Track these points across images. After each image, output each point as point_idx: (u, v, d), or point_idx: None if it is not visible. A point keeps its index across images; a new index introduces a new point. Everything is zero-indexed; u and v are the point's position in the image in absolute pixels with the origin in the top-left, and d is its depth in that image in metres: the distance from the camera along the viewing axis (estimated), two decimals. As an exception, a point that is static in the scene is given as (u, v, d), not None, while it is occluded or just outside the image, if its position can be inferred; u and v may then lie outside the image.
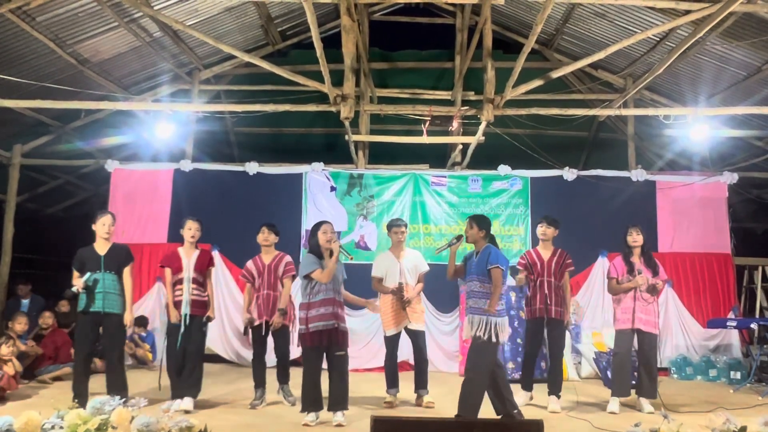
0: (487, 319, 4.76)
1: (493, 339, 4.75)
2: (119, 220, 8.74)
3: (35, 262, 10.88)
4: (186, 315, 5.57)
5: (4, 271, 9.11)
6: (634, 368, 6.01)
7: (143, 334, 8.28)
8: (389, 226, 6.22)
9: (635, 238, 5.91)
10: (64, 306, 8.43)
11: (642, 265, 5.88)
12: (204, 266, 5.76)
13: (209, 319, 5.78)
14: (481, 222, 5.05)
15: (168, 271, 5.74)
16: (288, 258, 6.01)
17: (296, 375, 6.22)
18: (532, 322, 5.95)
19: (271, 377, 5.92)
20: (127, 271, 5.49)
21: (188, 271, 5.65)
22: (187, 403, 5.40)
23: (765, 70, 7.90)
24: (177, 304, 5.62)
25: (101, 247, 5.43)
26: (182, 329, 5.54)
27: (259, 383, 5.80)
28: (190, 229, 5.76)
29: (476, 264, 4.94)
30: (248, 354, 8.29)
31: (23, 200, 9.99)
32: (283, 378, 5.93)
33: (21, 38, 7.36)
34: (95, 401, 3.69)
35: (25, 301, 8.61)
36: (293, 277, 5.93)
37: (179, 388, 5.55)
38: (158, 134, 8.71)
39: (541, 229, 6.05)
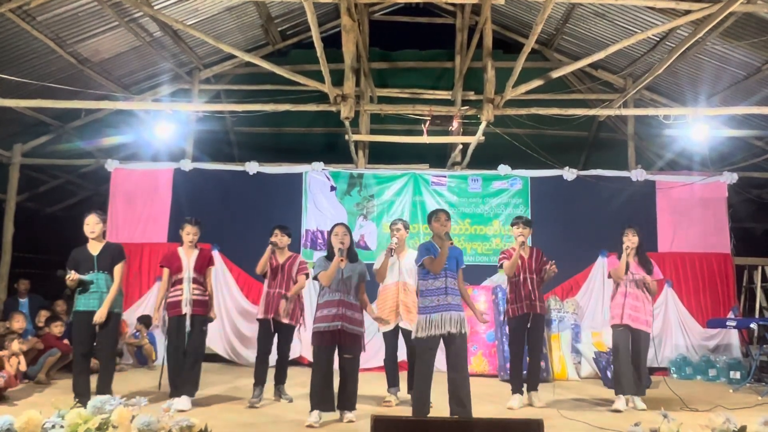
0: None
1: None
2: (119, 219, 8.88)
3: (35, 262, 10.86)
4: (187, 315, 5.57)
5: (4, 270, 9.12)
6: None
7: (146, 332, 8.28)
8: (390, 226, 6.29)
9: (631, 239, 5.95)
10: (60, 306, 8.42)
11: (636, 264, 5.95)
12: (204, 266, 5.76)
13: (210, 319, 5.79)
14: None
15: (166, 271, 5.72)
16: (301, 258, 6.16)
17: (294, 375, 6.27)
18: (516, 319, 6.03)
19: (268, 377, 5.91)
20: (117, 269, 5.36)
21: (188, 271, 5.66)
22: (184, 402, 5.34)
23: (765, 70, 7.90)
24: (175, 304, 5.61)
25: (94, 247, 5.37)
26: (188, 329, 5.56)
27: (260, 381, 5.80)
28: (188, 233, 5.76)
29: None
30: (247, 353, 8.32)
31: (23, 200, 10.00)
32: (281, 378, 5.98)
33: (21, 38, 7.36)
34: (96, 400, 3.67)
35: (23, 300, 8.59)
36: (307, 275, 6.04)
37: (178, 386, 5.53)
38: (158, 134, 8.72)
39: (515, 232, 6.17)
